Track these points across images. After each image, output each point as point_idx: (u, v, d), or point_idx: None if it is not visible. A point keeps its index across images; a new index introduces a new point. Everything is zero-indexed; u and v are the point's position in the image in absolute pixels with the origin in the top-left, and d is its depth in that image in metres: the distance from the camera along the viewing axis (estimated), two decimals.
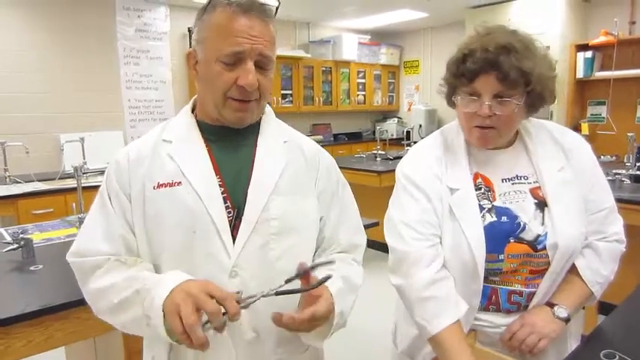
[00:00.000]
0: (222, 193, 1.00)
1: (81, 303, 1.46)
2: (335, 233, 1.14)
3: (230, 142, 1.07)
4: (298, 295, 0.97)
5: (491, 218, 1.18)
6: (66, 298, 1.46)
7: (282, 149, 1.10)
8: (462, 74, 1.13)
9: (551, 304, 1.18)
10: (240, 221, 1.00)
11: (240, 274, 0.98)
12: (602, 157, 4.55)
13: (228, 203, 1.01)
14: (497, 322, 1.21)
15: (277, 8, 1.05)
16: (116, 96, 5.06)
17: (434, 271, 1.16)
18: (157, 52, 5.32)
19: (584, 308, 1.29)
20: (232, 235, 0.99)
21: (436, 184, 1.22)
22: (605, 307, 1.33)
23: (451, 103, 1.24)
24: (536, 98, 1.15)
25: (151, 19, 5.24)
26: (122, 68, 5.07)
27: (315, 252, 1.13)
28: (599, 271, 1.21)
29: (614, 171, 3.29)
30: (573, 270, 1.21)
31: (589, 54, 5.09)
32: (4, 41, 4.36)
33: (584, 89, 5.37)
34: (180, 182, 1.00)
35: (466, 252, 1.15)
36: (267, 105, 1.15)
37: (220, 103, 1.01)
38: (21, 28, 4.44)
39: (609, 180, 3.15)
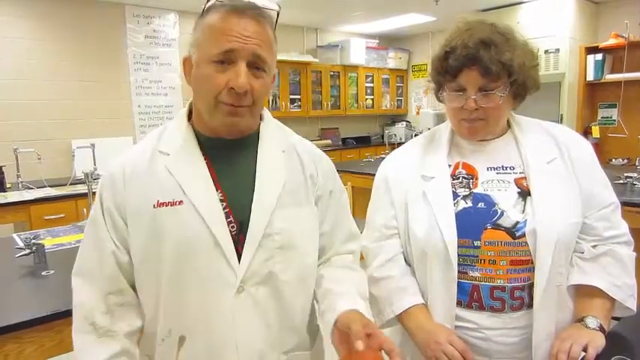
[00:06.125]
0: (225, 209, 0.98)
1: None
2: (330, 239, 1.13)
3: (230, 154, 1.03)
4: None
5: (465, 204, 1.19)
6: None
7: (282, 159, 1.06)
8: (446, 71, 1.17)
9: (579, 319, 1.15)
10: (244, 235, 0.97)
11: (247, 289, 0.97)
12: (613, 160, 4.52)
13: (231, 218, 0.98)
14: (481, 323, 1.16)
15: (278, 14, 1.02)
16: (126, 102, 5.12)
17: (386, 258, 1.26)
18: (166, 58, 5.38)
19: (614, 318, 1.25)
20: (237, 251, 0.97)
21: (406, 174, 1.28)
22: None
23: (439, 99, 1.28)
24: (520, 88, 1.18)
25: (160, 25, 5.30)
26: (132, 75, 5.13)
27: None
28: (629, 285, 1.17)
29: (625, 174, 3.24)
30: (594, 287, 1.16)
31: (599, 56, 5.06)
32: (17, 50, 4.42)
33: (595, 92, 5.33)
34: (181, 201, 0.96)
35: (438, 236, 1.18)
36: (266, 110, 1.12)
37: (212, 107, 0.96)
38: (33, 38, 4.51)
39: (621, 183, 3.16)
